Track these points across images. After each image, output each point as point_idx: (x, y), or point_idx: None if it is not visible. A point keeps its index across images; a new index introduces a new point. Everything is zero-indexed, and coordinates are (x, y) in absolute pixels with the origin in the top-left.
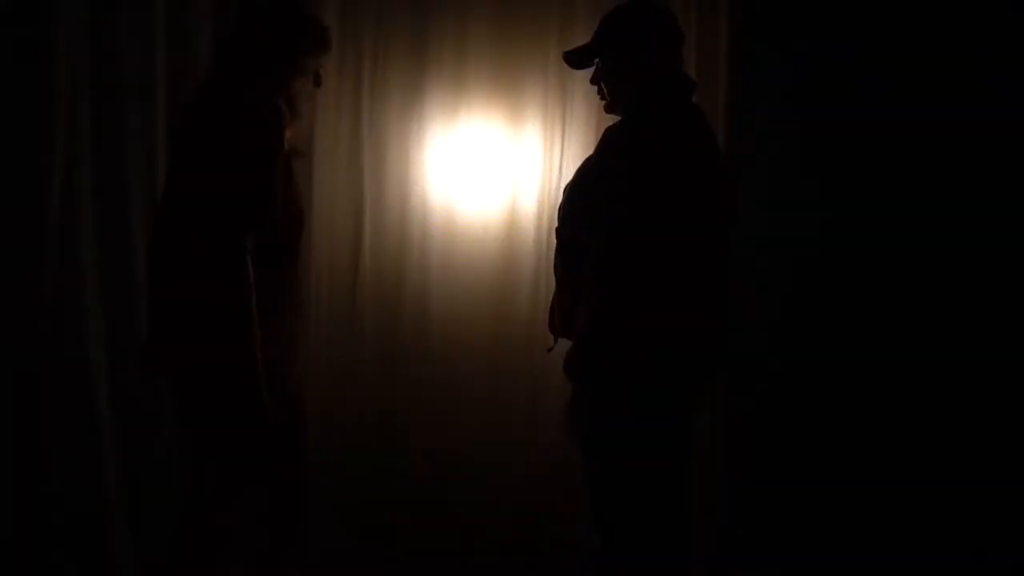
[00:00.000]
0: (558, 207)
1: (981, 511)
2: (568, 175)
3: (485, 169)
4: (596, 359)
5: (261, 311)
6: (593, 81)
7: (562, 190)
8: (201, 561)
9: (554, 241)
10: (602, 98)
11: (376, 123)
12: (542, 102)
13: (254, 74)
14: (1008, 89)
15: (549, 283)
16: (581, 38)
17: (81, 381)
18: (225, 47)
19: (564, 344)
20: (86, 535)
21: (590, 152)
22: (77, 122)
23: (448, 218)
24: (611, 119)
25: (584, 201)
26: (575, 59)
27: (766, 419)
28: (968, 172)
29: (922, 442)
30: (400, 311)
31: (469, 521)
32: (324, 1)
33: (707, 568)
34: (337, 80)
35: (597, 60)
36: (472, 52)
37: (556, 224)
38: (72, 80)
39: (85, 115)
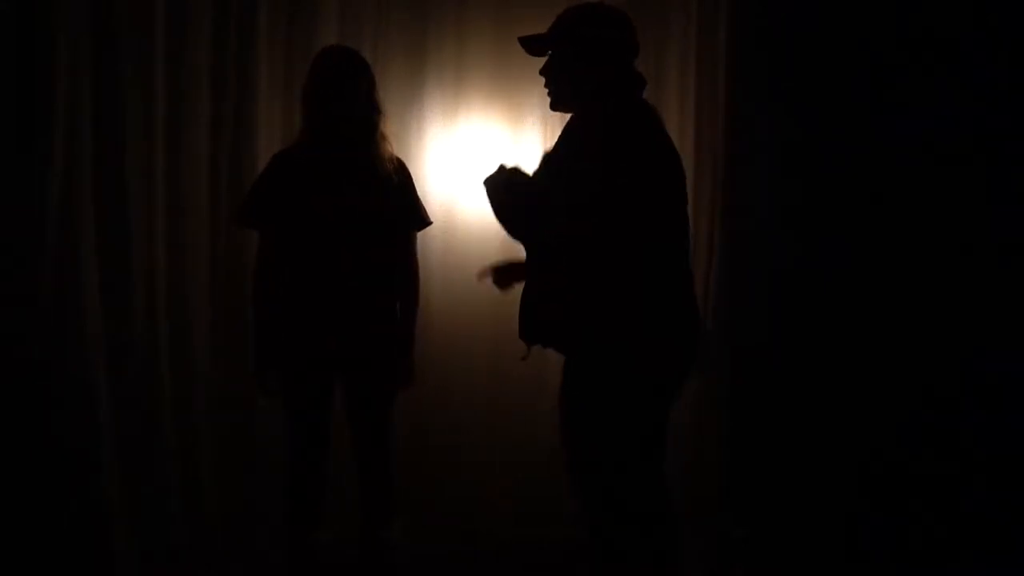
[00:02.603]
0: None
1: (984, 511)
2: None
3: (485, 169)
4: (574, 342)
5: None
6: (542, 72)
7: None
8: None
9: None
10: (548, 93)
11: None
12: (542, 102)
13: None
14: (1001, 89)
15: None
16: None
17: (81, 381)
18: None
19: (539, 353)
20: (86, 535)
21: None
22: (77, 123)
23: (448, 218)
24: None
25: (552, 200)
26: (530, 45)
27: (766, 418)
28: (966, 171)
29: (924, 441)
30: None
31: (469, 521)
32: (324, 1)
33: (706, 568)
34: None
35: (550, 52)
36: (472, 52)
37: None
38: (72, 80)
39: (85, 115)
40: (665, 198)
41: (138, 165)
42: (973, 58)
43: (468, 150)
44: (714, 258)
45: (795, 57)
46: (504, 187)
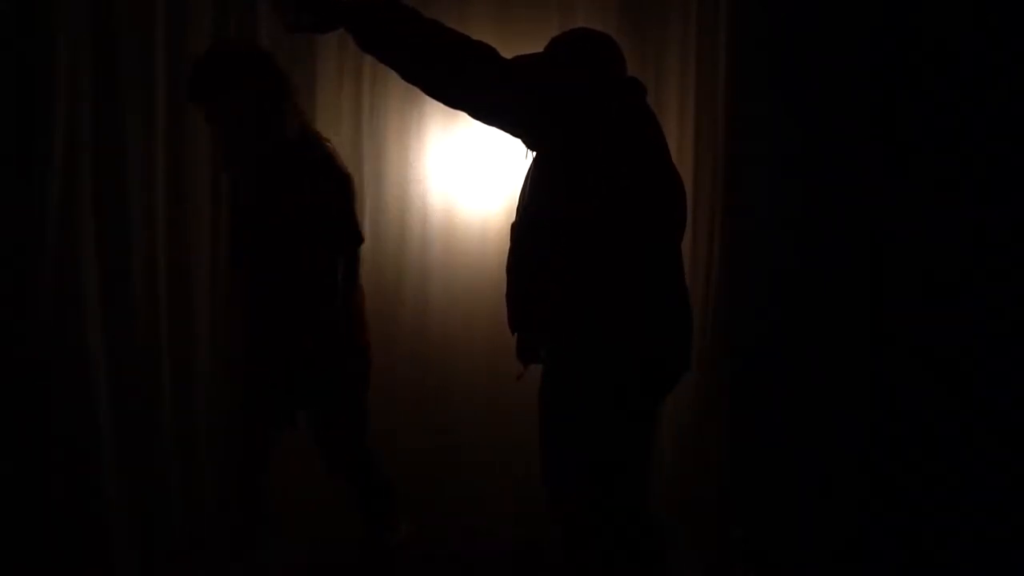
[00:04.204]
0: (518, 204)
1: (985, 511)
2: None
3: (485, 169)
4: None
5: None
6: None
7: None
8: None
9: None
10: None
11: (376, 123)
12: None
13: None
14: (1001, 89)
15: None
16: None
17: (81, 381)
18: None
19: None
20: (86, 535)
21: None
22: (77, 123)
23: (448, 218)
24: None
25: (544, 199)
26: None
27: (766, 418)
28: (966, 171)
29: (924, 441)
30: (399, 311)
31: (469, 521)
32: None
33: (706, 568)
34: (337, 80)
35: None
36: None
37: (514, 220)
38: (72, 80)
39: (85, 115)
40: (647, 203)
41: (138, 165)
42: (973, 58)
43: (468, 150)
44: (714, 258)
45: (795, 57)
46: None
